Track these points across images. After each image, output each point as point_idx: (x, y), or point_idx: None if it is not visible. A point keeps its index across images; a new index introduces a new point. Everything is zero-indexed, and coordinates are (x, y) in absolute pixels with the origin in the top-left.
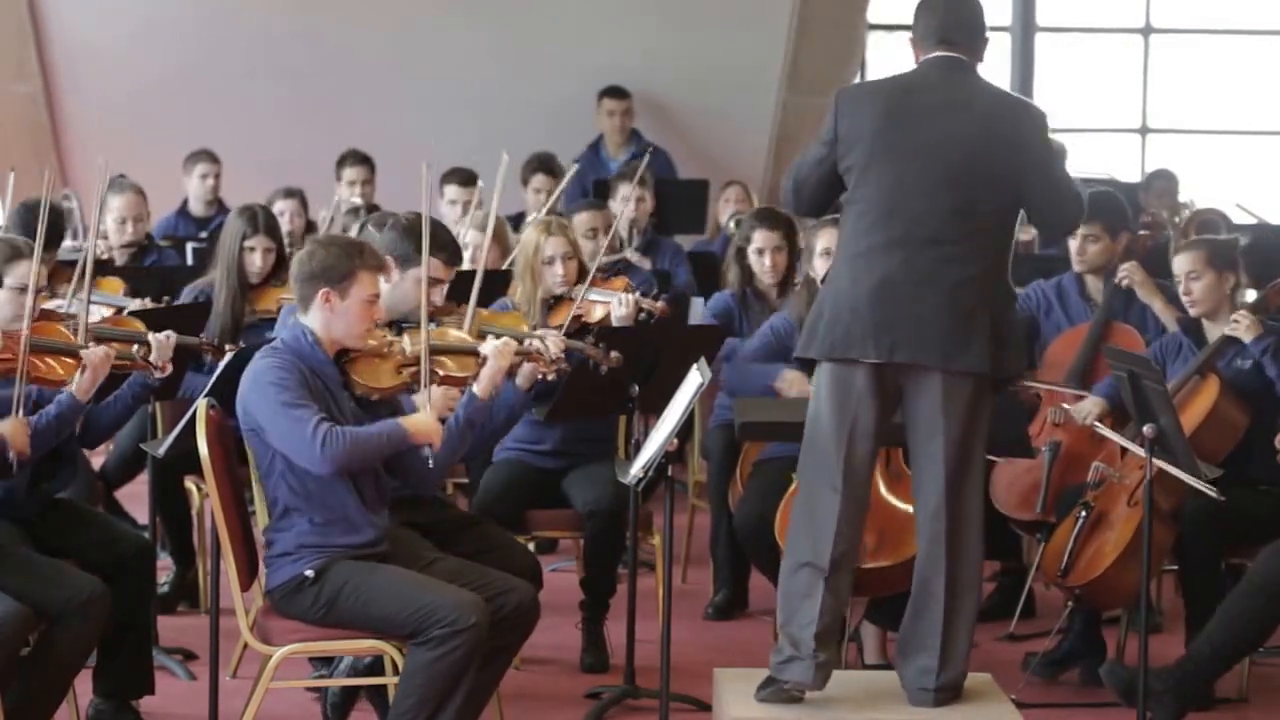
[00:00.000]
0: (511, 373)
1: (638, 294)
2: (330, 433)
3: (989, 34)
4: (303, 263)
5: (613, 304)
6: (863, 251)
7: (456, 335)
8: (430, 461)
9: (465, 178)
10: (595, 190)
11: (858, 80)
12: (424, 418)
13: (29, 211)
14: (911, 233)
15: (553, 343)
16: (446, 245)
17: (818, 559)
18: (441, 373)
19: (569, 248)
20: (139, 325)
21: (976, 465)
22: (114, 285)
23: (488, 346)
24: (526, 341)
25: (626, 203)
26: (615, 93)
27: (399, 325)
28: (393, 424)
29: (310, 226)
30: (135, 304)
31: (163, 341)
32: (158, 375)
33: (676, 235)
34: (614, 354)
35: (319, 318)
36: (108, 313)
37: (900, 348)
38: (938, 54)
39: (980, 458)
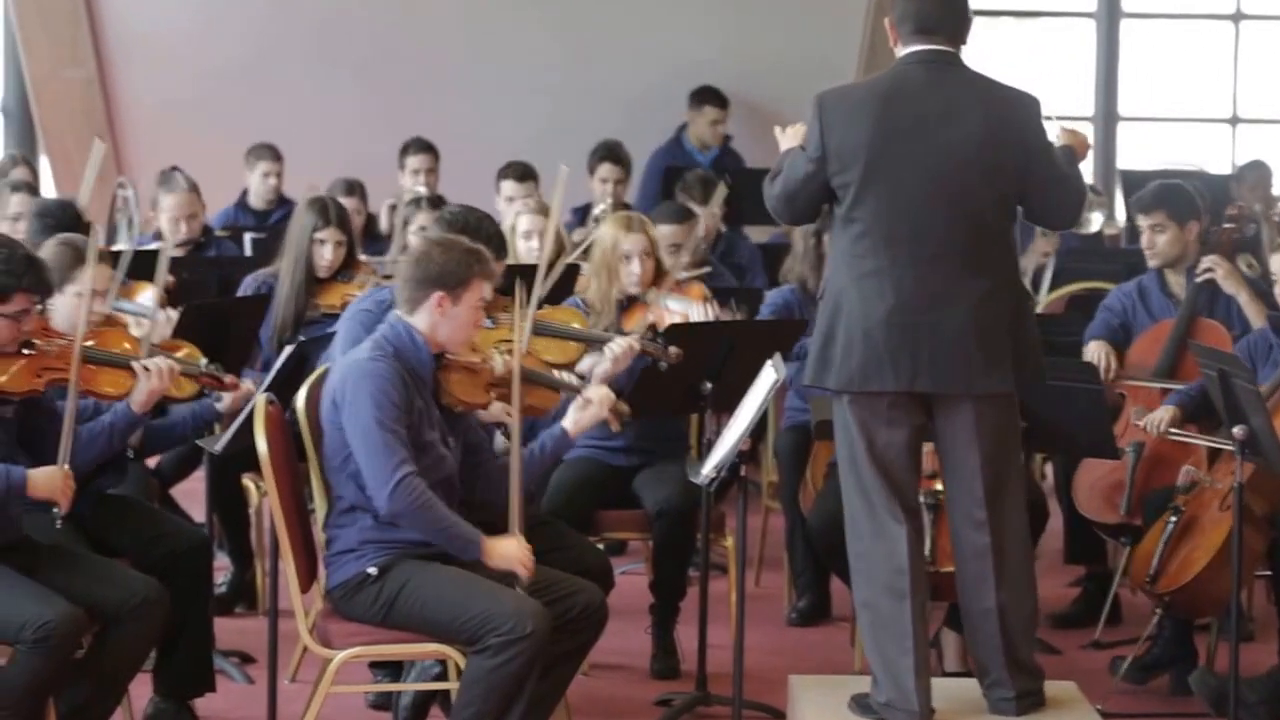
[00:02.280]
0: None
1: (716, 303)
2: (409, 483)
3: (971, 14)
4: (419, 264)
5: (691, 315)
6: (870, 273)
7: (548, 363)
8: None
9: (522, 172)
10: (666, 177)
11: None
12: (510, 548)
13: (56, 214)
14: (920, 250)
15: (624, 346)
16: (491, 239)
17: (897, 584)
18: (526, 400)
19: (648, 245)
20: (194, 350)
21: (1015, 472)
22: (142, 288)
23: (592, 392)
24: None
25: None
26: (718, 100)
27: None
28: (474, 535)
29: (371, 221)
30: (164, 315)
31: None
32: (224, 398)
33: (750, 226)
34: (673, 349)
35: (426, 320)
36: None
37: (922, 376)
38: (918, 47)
39: (1018, 463)
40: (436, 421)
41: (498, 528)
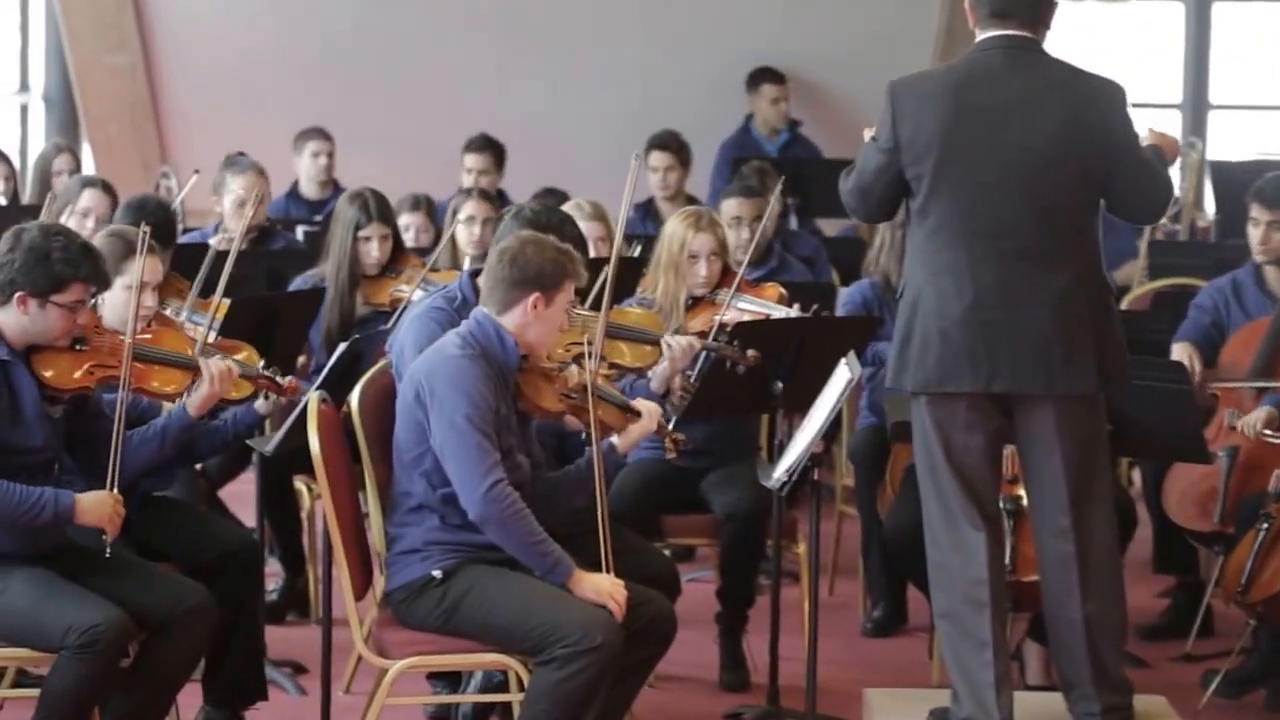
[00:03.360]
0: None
1: (795, 307)
2: (502, 490)
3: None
4: (515, 263)
5: (770, 316)
6: (946, 268)
7: (569, 344)
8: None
9: (483, 144)
10: (735, 168)
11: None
12: (602, 583)
13: (138, 211)
14: (998, 245)
15: (683, 345)
16: (573, 241)
17: (976, 594)
18: (589, 418)
19: (716, 246)
20: (252, 352)
21: (1101, 477)
22: (220, 308)
23: (642, 405)
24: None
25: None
26: (774, 77)
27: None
28: (564, 558)
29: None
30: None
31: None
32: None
33: (821, 219)
34: (751, 352)
35: (518, 321)
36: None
37: (1000, 377)
38: (997, 33)
39: (1103, 467)
40: (515, 428)
41: (562, 535)
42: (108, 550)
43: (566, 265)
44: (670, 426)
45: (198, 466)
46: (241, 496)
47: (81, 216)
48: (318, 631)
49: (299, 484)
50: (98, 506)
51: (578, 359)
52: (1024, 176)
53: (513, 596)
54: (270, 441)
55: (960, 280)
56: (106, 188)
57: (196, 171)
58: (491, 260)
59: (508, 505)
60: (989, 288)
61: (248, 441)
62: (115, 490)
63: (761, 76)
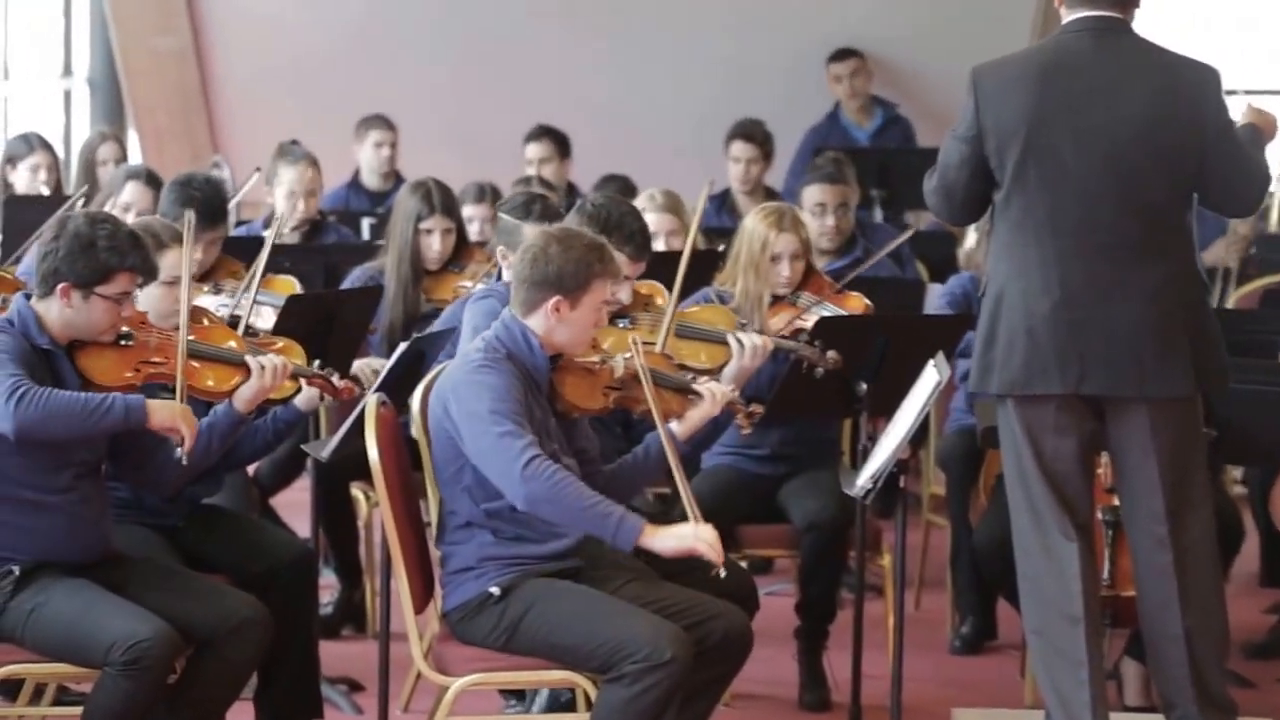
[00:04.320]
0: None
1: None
2: (540, 463)
3: None
4: (535, 263)
5: None
6: (1032, 264)
7: (673, 365)
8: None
9: (541, 132)
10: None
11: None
12: (682, 537)
13: (184, 188)
14: (1086, 238)
15: (755, 344)
16: (633, 236)
17: (1070, 608)
18: (644, 406)
19: (799, 246)
20: (294, 346)
21: (1200, 485)
22: (286, 285)
23: (703, 388)
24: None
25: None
26: (840, 55)
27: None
28: (628, 513)
29: None
30: None
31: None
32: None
33: (912, 212)
34: (831, 354)
35: (542, 324)
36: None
37: (1090, 378)
38: (1085, 13)
39: (1202, 473)
40: (555, 431)
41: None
42: (183, 460)
43: (594, 265)
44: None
45: (249, 473)
46: (295, 505)
47: (123, 210)
48: (375, 647)
49: (356, 491)
50: (168, 408)
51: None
52: (1113, 166)
53: (576, 612)
54: (326, 446)
55: (1047, 276)
56: (151, 180)
57: (258, 169)
58: (515, 257)
59: (549, 476)
60: (1077, 284)
61: (302, 446)
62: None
63: (833, 55)
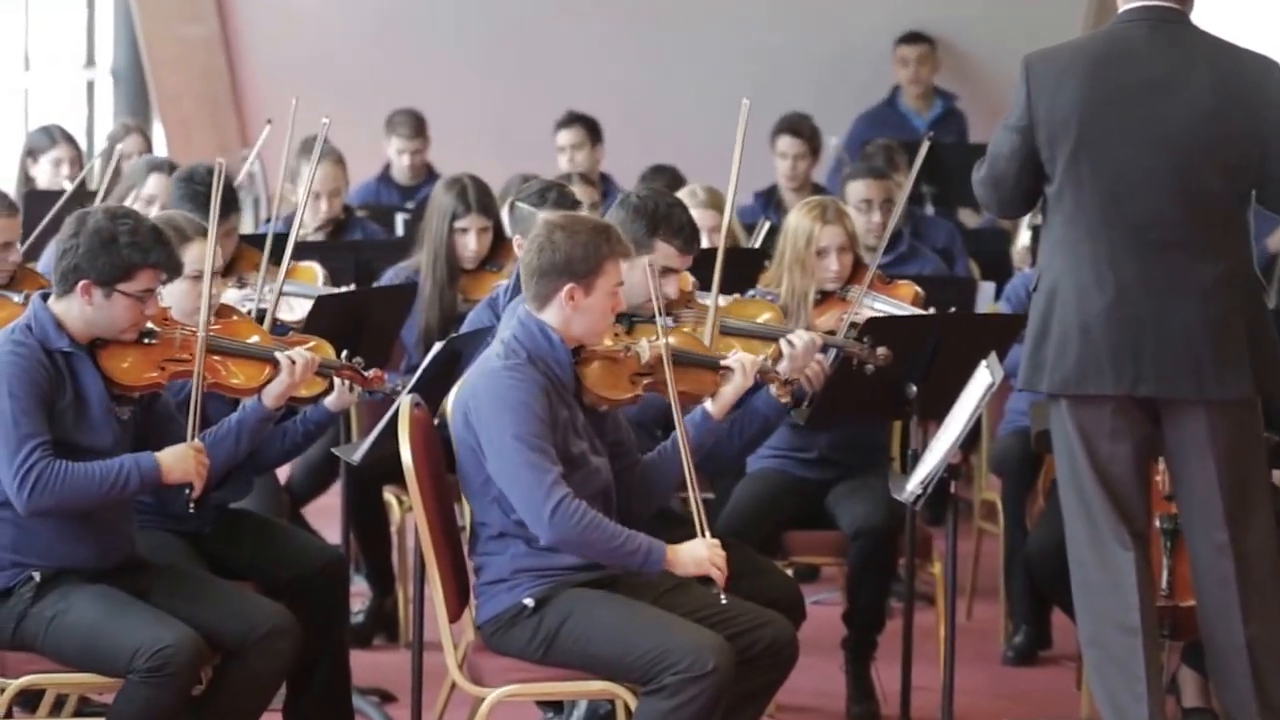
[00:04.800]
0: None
1: (932, 310)
2: (567, 506)
3: None
4: (543, 252)
5: None
6: (1085, 260)
7: (697, 342)
8: (723, 601)
9: (573, 118)
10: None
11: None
12: (698, 550)
13: (192, 184)
14: (1141, 235)
15: (805, 342)
16: (682, 229)
17: (1127, 619)
18: (679, 387)
19: (846, 239)
20: (322, 343)
21: (1261, 489)
22: (309, 273)
23: (733, 360)
24: (780, 342)
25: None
26: (911, 38)
27: (629, 319)
28: (652, 544)
29: None
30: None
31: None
32: (370, 391)
33: (963, 209)
34: (881, 350)
35: (558, 315)
36: (302, 307)
37: (1146, 379)
38: (1141, 3)
39: (1263, 478)
40: (584, 428)
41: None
42: (191, 506)
43: (602, 247)
44: (800, 421)
45: (281, 480)
46: (326, 509)
47: (146, 204)
48: (408, 656)
49: (388, 495)
50: (181, 461)
51: (632, 325)
52: (1168, 160)
53: (614, 622)
54: (358, 449)
55: (1100, 273)
56: (174, 171)
57: (269, 121)
58: (522, 251)
59: (576, 521)
60: (1132, 281)
61: (333, 450)
62: (197, 441)
63: (901, 39)
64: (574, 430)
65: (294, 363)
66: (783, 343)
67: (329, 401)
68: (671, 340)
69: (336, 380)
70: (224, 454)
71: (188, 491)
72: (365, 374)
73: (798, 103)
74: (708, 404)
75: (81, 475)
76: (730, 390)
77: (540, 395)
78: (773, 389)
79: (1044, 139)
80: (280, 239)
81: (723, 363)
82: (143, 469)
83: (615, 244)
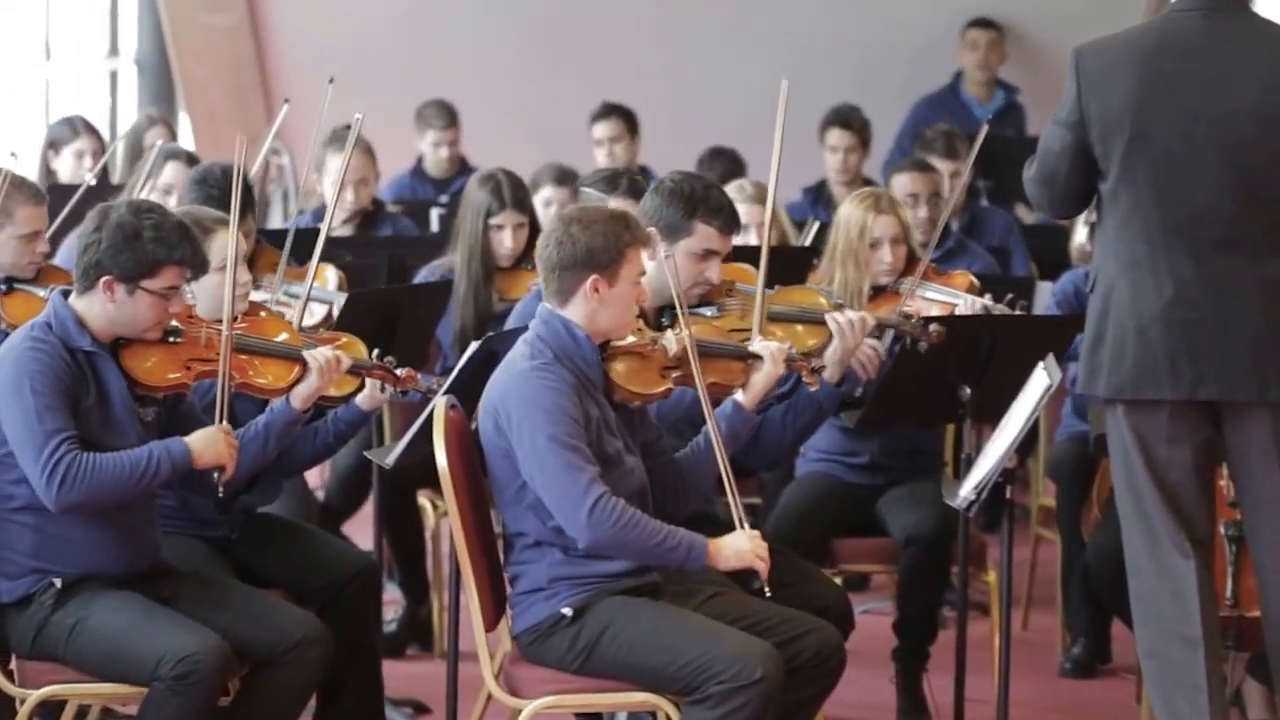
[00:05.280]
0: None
1: (988, 297)
2: (605, 505)
3: None
4: (561, 246)
5: (958, 308)
6: (1141, 260)
7: (728, 331)
8: (766, 592)
9: (608, 111)
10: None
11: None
12: (739, 542)
13: (205, 186)
14: (1199, 233)
15: (854, 320)
16: (721, 209)
17: (1187, 630)
18: (707, 380)
19: (899, 229)
20: (354, 341)
21: None
22: (319, 275)
23: (760, 347)
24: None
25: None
26: (981, 23)
27: (669, 312)
28: (694, 539)
29: None
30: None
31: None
32: (402, 391)
33: (1020, 205)
34: (934, 327)
35: (583, 310)
36: (319, 310)
37: (1206, 381)
38: None
39: None
40: (616, 427)
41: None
42: (220, 490)
43: (623, 235)
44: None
45: (311, 487)
46: (358, 515)
47: (163, 194)
48: (443, 667)
49: (423, 500)
50: (212, 444)
51: (663, 322)
52: (1227, 157)
53: (657, 630)
54: (391, 452)
55: (1157, 274)
56: (192, 161)
57: (286, 100)
58: (538, 248)
59: (615, 520)
60: (1189, 281)
61: (365, 453)
62: (225, 424)
63: (971, 22)
64: (607, 428)
65: (319, 362)
66: (830, 320)
67: (360, 401)
68: (697, 330)
69: (368, 380)
70: (252, 456)
71: (217, 475)
72: (397, 373)
73: (840, 92)
74: (738, 394)
75: (111, 465)
76: (761, 379)
77: (571, 394)
78: (803, 376)
79: (1096, 135)
80: (304, 235)
81: (751, 348)
82: (173, 454)
83: (635, 231)
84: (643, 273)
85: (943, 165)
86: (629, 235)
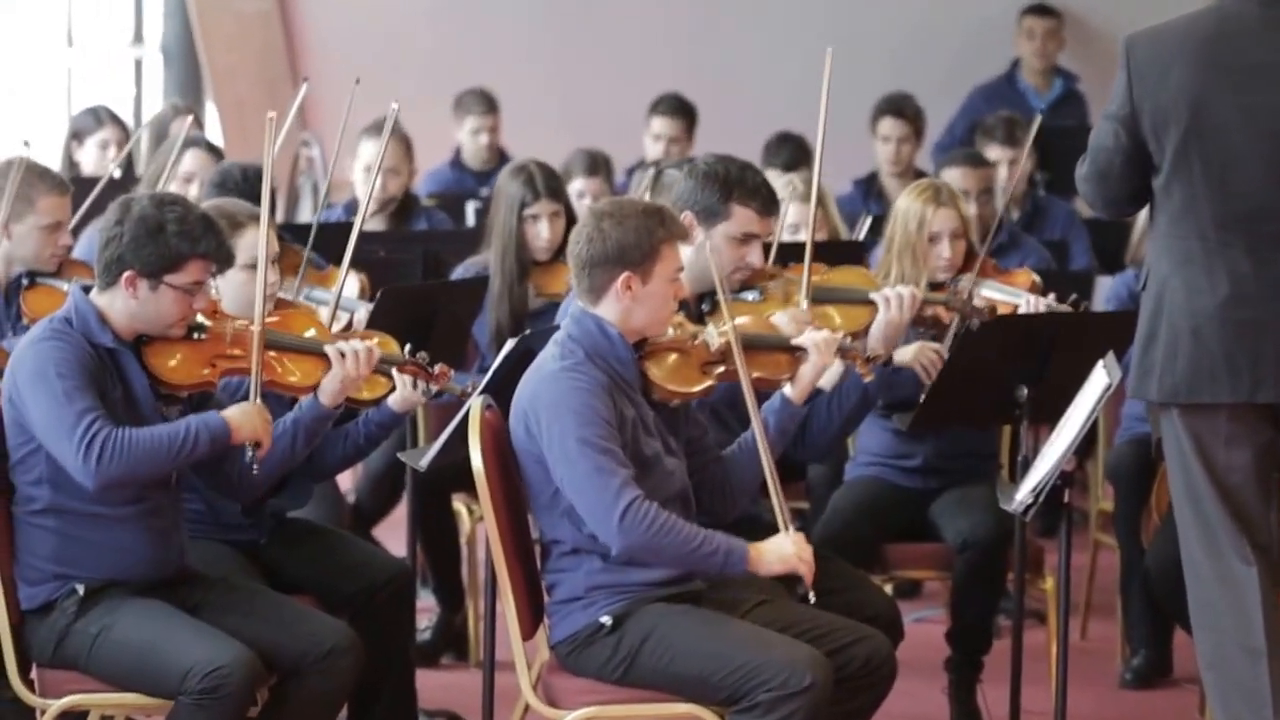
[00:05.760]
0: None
1: (1051, 297)
2: (637, 509)
3: None
4: (591, 242)
5: (1019, 308)
6: (1196, 257)
7: (772, 322)
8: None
9: (674, 106)
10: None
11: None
12: (784, 546)
13: (224, 190)
14: (1256, 229)
15: (904, 296)
16: (759, 190)
17: (1250, 639)
18: (751, 374)
19: (959, 224)
20: (387, 339)
21: None
22: (336, 278)
23: (806, 339)
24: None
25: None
26: (1040, 10)
27: (710, 299)
28: (734, 543)
29: None
30: (365, 309)
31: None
32: (434, 388)
33: (1079, 198)
34: (982, 301)
35: (616, 308)
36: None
37: (1265, 385)
38: None
39: None
40: (655, 427)
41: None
42: (255, 467)
43: (656, 230)
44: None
45: (343, 491)
46: (391, 519)
47: (184, 182)
48: (478, 676)
49: (458, 504)
50: (248, 417)
51: (702, 311)
52: None
53: (700, 639)
54: (425, 454)
55: (1213, 272)
56: (211, 149)
57: (305, 79)
58: (569, 244)
59: (648, 525)
60: (1246, 279)
61: (399, 455)
62: (258, 401)
63: (1028, 9)
64: (644, 429)
65: (345, 355)
66: (878, 297)
67: (393, 401)
68: (738, 319)
69: (401, 378)
70: (279, 454)
71: (252, 452)
72: (431, 369)
73: (888, 80)
74: (786, 388)
75: (148, 438)
76: (809, 371)
77: (603, 394)
78: (855, 366)
79: (1149, 128)
80: (329, 230)
81: (796, 341)
82: (211, 427)
83: (670, 226)
84: (680, 269)
85: (1002, 153)
86: (663, 230)
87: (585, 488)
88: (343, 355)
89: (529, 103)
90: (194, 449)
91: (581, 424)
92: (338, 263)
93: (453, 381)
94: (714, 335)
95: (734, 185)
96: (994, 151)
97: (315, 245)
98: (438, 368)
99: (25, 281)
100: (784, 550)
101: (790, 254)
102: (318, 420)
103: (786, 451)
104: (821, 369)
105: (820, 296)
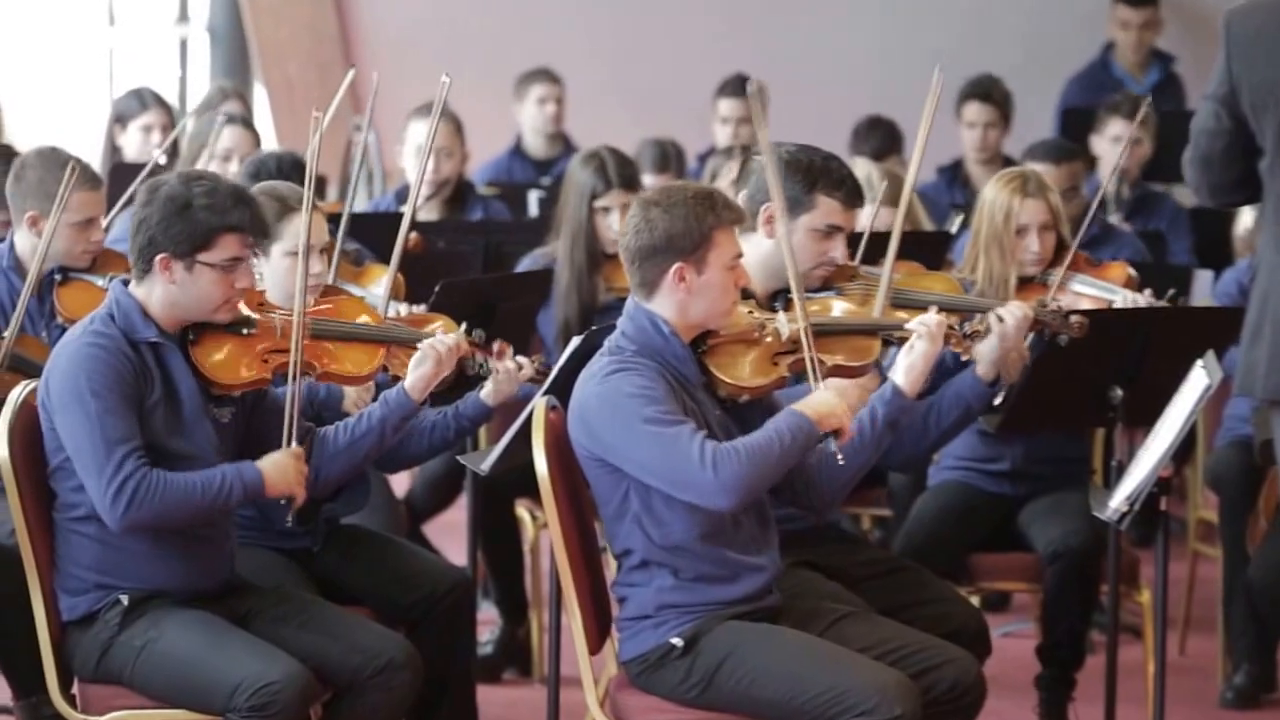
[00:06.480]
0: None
1: (1148, 293)
2: (719, 451)
3: None
4: (640, 234)
5: (1114, 304)
6: None
7: (854, 310)
8: (839, 457)
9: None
10: (1071, 122)
11: None
12: (825, 397)
13: (254, 181)
14: None
15: (1018, 316)
16: (844, 181)
17: None
18: (830, 362)
19: (1049, 216)
20: (449, 322)
21: None
22: (380, 274)
23: (916, 323)
24: (990, 317)
25: (1116, 144)
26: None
27: (783, 296)
28: (789, 417)
29: None
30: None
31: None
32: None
33: (1179, 186)
34: (1075, 318)
35: (671, 302)
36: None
37: None
38: None
39: None
40: (720, 425)
41: (840, 576)
42: (290, 519)
43: (707, 216)
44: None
45: (399, 494)
46: (451, 526)
47: (223, 160)
48: (542, 692)
49: (521, 510)
50: (283, 472)
51: (776, 304)
52: None
53: (781, 660)
54: (487, 458)
55: None
56: (248, 125)
57: (353, 66)
58: (620, 236)
59: (732, 462)
60: None
61: (458, 458)
62: (295, 445)
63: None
64: (707, 428)
65: (443, 350)
66: (992, 317)
67: (485, 394)
68: (817, 309)
69: (496, 365)
70: (364, 452)
71: (285, 504)
72: (490, 346)
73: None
74: (898, 376)
75: (181, 486)
76: (920, 360)
77: (658, 379)
78: (952, 345)
79: (1249, 106)
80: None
81: (908, 326)
82: (246, 480)
83: (723, 210)
84: (739, 255)
85: (1125, 129)
86: (715, 216)
87: (664, 458)
88: (437, 351)
89: (590, 88)
90: (226, 501)
91: (645, 404)
92: (386, 259)
93: (510, 356)
94: (784, 323)
95: (818, 175)
96: (1116, 127)
97: (364, 237)
98: (497, 344)
99: (58, 277)
100: (829, 401)
101: (871, 247)
102: (404, 418)
103: None
104: (933, 357)
105: (900, 301)
